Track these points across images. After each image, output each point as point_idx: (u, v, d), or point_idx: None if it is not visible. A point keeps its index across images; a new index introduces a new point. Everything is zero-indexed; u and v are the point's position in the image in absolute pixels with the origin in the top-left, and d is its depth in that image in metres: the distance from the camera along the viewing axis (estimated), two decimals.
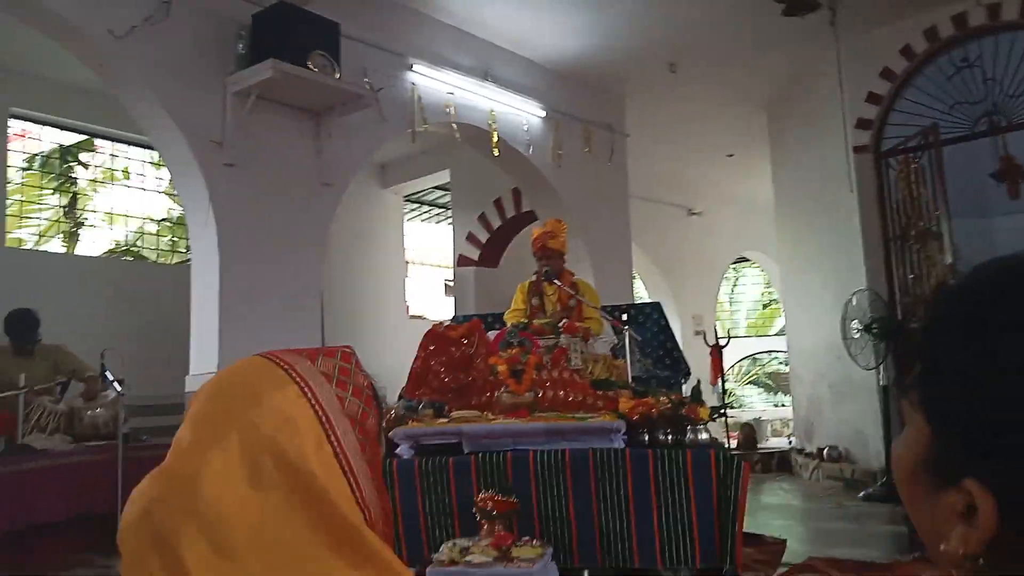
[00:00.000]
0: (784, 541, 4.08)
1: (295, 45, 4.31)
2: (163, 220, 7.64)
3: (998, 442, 0.48)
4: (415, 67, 5.46)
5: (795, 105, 7.38)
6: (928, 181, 5.68)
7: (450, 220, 8.83)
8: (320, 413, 0.66)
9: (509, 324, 4.95)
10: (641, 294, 10.75)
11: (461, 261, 8.19)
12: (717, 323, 10.88)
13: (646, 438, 3.59)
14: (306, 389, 0.67)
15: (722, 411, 3.81)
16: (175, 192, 6.01)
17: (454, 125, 5.68)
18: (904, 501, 0.56)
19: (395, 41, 5.36)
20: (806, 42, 6.25)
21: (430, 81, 5.57)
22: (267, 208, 4.47)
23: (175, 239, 7.49)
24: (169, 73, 4.19)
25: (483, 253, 8.10)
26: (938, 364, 0.53)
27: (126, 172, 7.44)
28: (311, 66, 4.33)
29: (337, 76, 4.45)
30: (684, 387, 4.90)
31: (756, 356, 13.58)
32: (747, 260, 13.25)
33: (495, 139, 5.94)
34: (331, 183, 4.78)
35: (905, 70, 6.24)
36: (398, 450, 3.66)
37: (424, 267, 12.21)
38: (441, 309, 10.34)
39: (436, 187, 9.19)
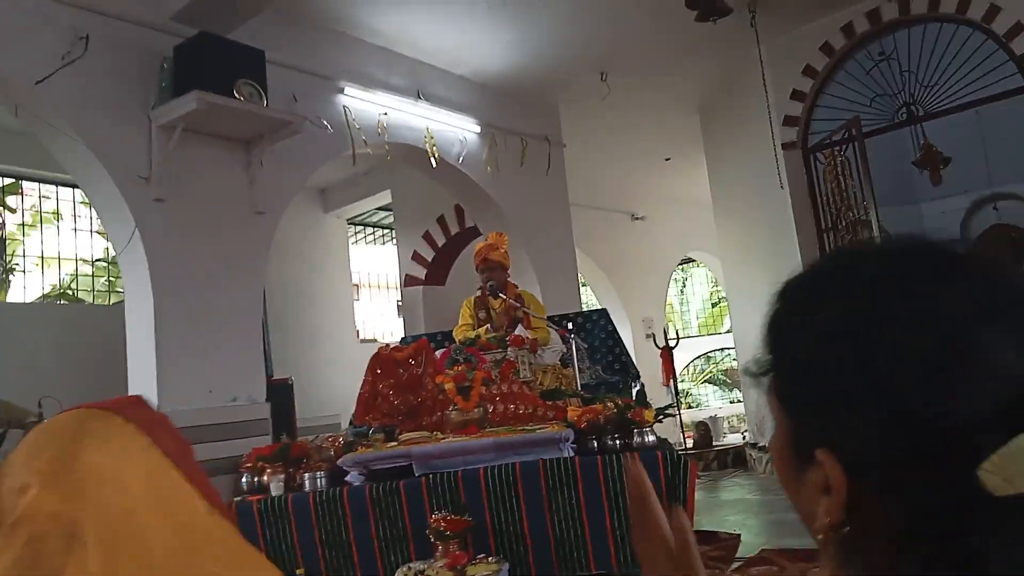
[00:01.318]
0: (738, 536, 4.14)
1: (220, 75, 4.26)
2: (98, 260, 7.45)
3: (831, 410, 0.51)
4: (346, 90, 5.45)
5: (725, 107, 7.55)
6: (854, 172, 5.85)
7: (396, 240, 8.80)
8: (148, 432, 0.68)
9: (457, 341, 4.95)
10: (591, 301, 10.84)
11: (408, 281, 8.16)
12: (668, 324, 11.02)
13: (595, 444, 3.63)
14: (126, 415, 0.68)
15: (668, 411, 3.85)
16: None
17: (387, 146, 5.67)
18: (786, 492, 0.58)
19: (324, 65, 5.34)
20: (730, 45, 6.41)
21: (362, 103, 5.56)
22: (200, 241, 4.40)
23: (112, 279, 7.32)
24: (90, 110, 4.10)
25: (430, 271, 8.08)
26: (779, 350, 0.57)
27: (57, 213, 7.24)
28: (237, 95, 4.29)
29: (265, 104, 4.41)
30: (634, 390, 4.95)
31: (709, 354, 13.77)
32: (693, 261, 13.46)
33: (435, 154, 5.94)
34: (265, 211, 4.73)
35: (826, 67, 6.44)
36: (348, 477, 3.62)
37: (376, 289, 12.10)
38: (395, 331, 10.26)
39: (379, 208, 9.15)
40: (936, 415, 0.46)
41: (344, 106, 5.41)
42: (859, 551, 0.51)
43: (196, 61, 4.27)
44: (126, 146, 4.19)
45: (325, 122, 5.18)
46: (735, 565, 3.66)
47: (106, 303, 7.32)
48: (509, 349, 4.58)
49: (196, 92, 4.09)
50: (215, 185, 4.53)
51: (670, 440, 5.08)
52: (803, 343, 0.54)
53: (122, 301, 6.73)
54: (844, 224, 5.97)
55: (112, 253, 7.19)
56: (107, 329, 5.85)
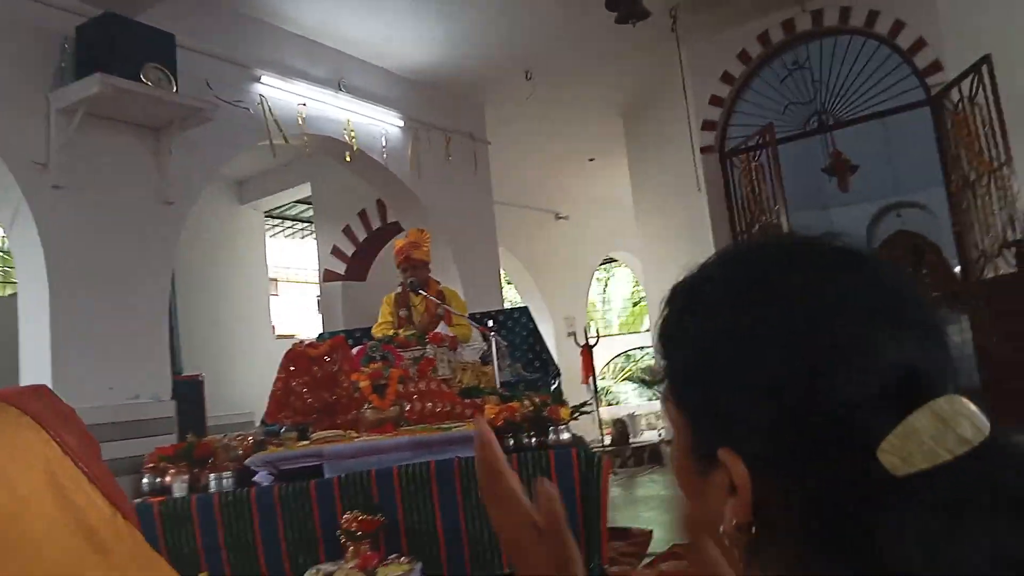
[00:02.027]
0: (650, 532, 4.21)
1: (126, 58, 4.06)
2: None
3: (726, 409, 0.51)
4: (263, 79, 5.29)
5: (647, 109, 7.68)
6: (768, 177, 6.04)
7: (315, 234, 8.61)
8: (47, 427, 0.62)
9: (375, 338, 4.87)
10: (514, 299, 10.87)
11: (327, 276, 8.00)
12: (590, 323, 11.14)
13: (511, 442, 3.62)
14: (23, 408, 0.63)
15: (585, 409, 3.89)
16: None
17: (305, 138, 5.53)
18: (688, 499, 0.57)
19: (240, 52, 5.16)
20: (652, 50, 6.51)
21: (280, 93, 5.40)
22: (103, 232, 4.18)
23: (8, 268, 6.91)
24: None
25: (350, 267, 7.94)
26: (670, 355, 0.57)
27: None
28: (144, 80, 4.10)
29: (174, 89, 4.23)
30: (554, 387, 4.97)
31: (629, 353, 14.01)
32: (615, 260, 13.66)
33: (354, 147, 5.83)
34: (175, 202, 4.54)
35: (743, 74, 6.62)
36: (256, 477, 3.51)
37: (295, 284, 11.84)
38: (314, 327, 10.06)
39: (298, 201, 8.94)
40: (819, 407, 0.47)
41: (261, 95, 5.24)
42: (768, 550, 0.51)
43: (100, 42, 4.06)
44: (21, 129, 3.94)
45: (243, 103, 5.00)
46: (646, 560, 3.72)
47: (1, 294, 6.91)
48: (428, 346, 4.53)
49: (99, 75, 3.89)
50: (120, 173, 4.32)
51: (588, 437, 5.13)
52: (689, 348, 0.55)
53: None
54: (758, 227, 6.15)
55: (8, 243, 6.80)
56: (2, 323, 5.52)
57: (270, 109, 5.25)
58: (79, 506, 0.63)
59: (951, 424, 0.45)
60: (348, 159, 5.82)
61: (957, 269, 6.01)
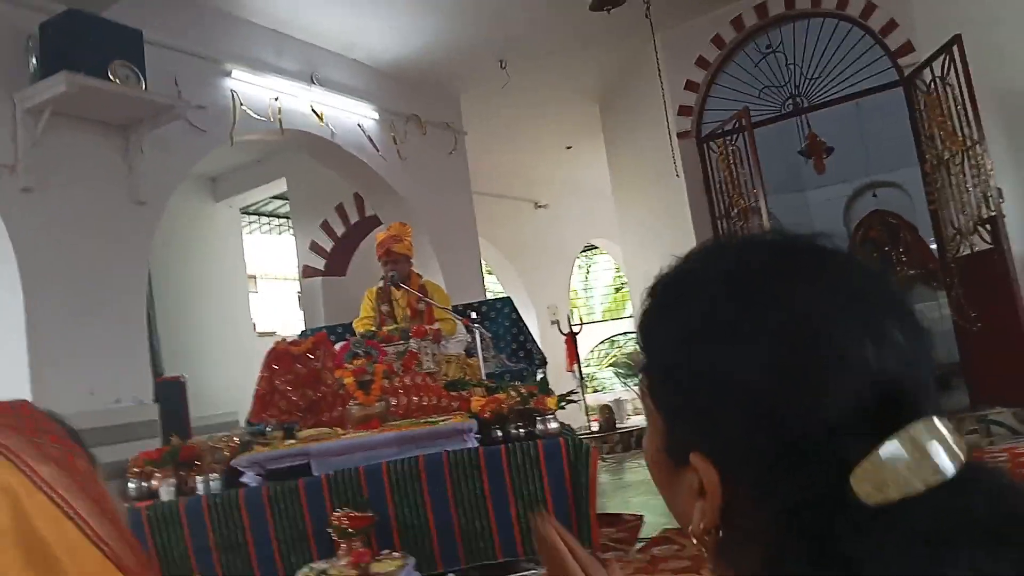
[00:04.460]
0: (641, 517, 4.22)
1: (92, 55, 3.98)
2: None
3: (699, 413, 0.50)
4: (234, 73, 5.21)
5: (623, 96, 7.67)
6: (745, 161, 6.05)
7: (292, 230, 8.53)
8: (19, 462, 0.58)
9: (357, 333, 4.84)
10: (496, 289, 10.85)
11: (306, 272, 7.93)
12: (573, 311, 11.15)
13: (499, 434, 3.61)
14: None
15: (571, 398, 3.89)
16: None
17: (283, 131, 5.46)
18: (660, 491, 0.57)
19: (209, 47, 5.08)
20: (626, 36, 6.50)
21: (251, 87, 5.32)
22: (76, 233, 4.10)
23: None
24: None
25: (329, 262, 7.87)
26: (648, 350, 0.56)
27: None
28: (112, 77, 4.02)
29: (143, 87, 4.15)
30: (539, 377, 4.97)
31: (614, 339, 14.03)
32: (596, 247, 13.67)
33: (333, 136, 5.76)
34: (147, 201, 4.46)
35: (717, 58, 6.63)
36: (243, 478, 3.48)
37: (275, 281, 11.71)
38: (295, 324, 9.97)
39: (274, 197, 8.84)
40: (797, 419, 0.46)
41: (232, 90, 5.16)
42: (733, 555, 0.50)
43: (65, 40, 3.97)
44: None
45: (203, 105, 4.87)
46: (638, 545, 3.73)
47: None
48: (412, 340, 4.50)
49: (65, 73, 3.80)
50: (90, 173, 4.24)
51: (575, 425, 5.14)
52: (667, 345, 0.53)
53: None
54: (736, 211, 6.17)
55: None
56: None
57: (241, 104, 5.17)
58: (52, 548, 0.59)
59: (928, 452, 0.44)
60: (330, 144, 5.74)
61: (933, 247, 6.07)
